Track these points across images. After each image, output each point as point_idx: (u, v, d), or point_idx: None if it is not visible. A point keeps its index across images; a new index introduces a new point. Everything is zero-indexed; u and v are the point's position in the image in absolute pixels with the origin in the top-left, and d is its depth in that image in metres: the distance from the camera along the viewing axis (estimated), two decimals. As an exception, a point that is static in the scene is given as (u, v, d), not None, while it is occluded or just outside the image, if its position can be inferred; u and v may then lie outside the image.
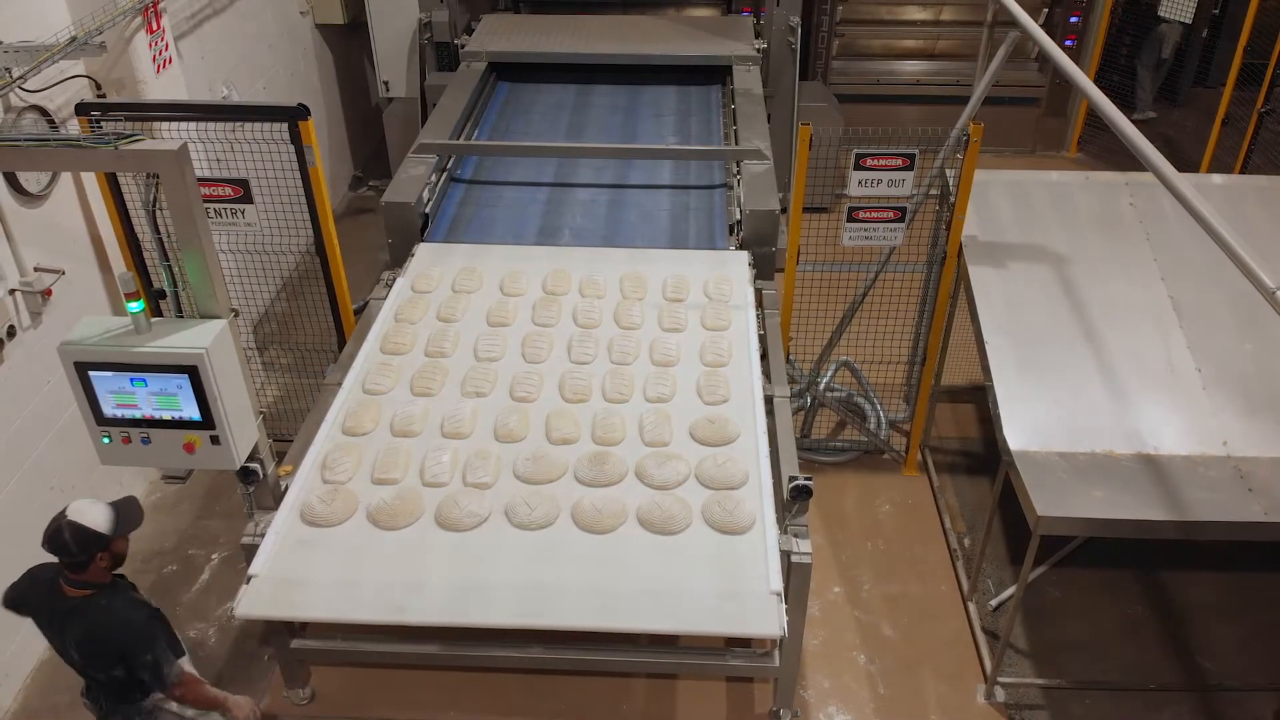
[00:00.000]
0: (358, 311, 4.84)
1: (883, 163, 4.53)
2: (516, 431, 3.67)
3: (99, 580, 3.25)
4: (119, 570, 3.34)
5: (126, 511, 3.26)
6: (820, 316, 5.34)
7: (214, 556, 4.97)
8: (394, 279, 4.65)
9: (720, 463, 3.55)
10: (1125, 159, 7.62)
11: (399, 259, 4.86)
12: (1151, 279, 4.64)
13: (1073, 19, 8.85)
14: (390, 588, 3.18)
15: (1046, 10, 8.81)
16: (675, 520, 3.32)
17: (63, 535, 3.11)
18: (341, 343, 4.99)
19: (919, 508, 5.35)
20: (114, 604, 3.27)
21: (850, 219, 4.73)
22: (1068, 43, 8.85)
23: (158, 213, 4.53)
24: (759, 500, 3.45)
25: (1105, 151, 9.08)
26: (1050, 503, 3.71)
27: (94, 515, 3.15)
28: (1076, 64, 4.14)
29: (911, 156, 4.54)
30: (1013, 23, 4.52)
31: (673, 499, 3.40)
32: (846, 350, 5.63)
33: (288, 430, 5.14)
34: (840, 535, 5.16)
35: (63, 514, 3.14)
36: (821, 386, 5.53)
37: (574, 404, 3.84)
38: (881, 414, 5.66)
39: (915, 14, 9.06)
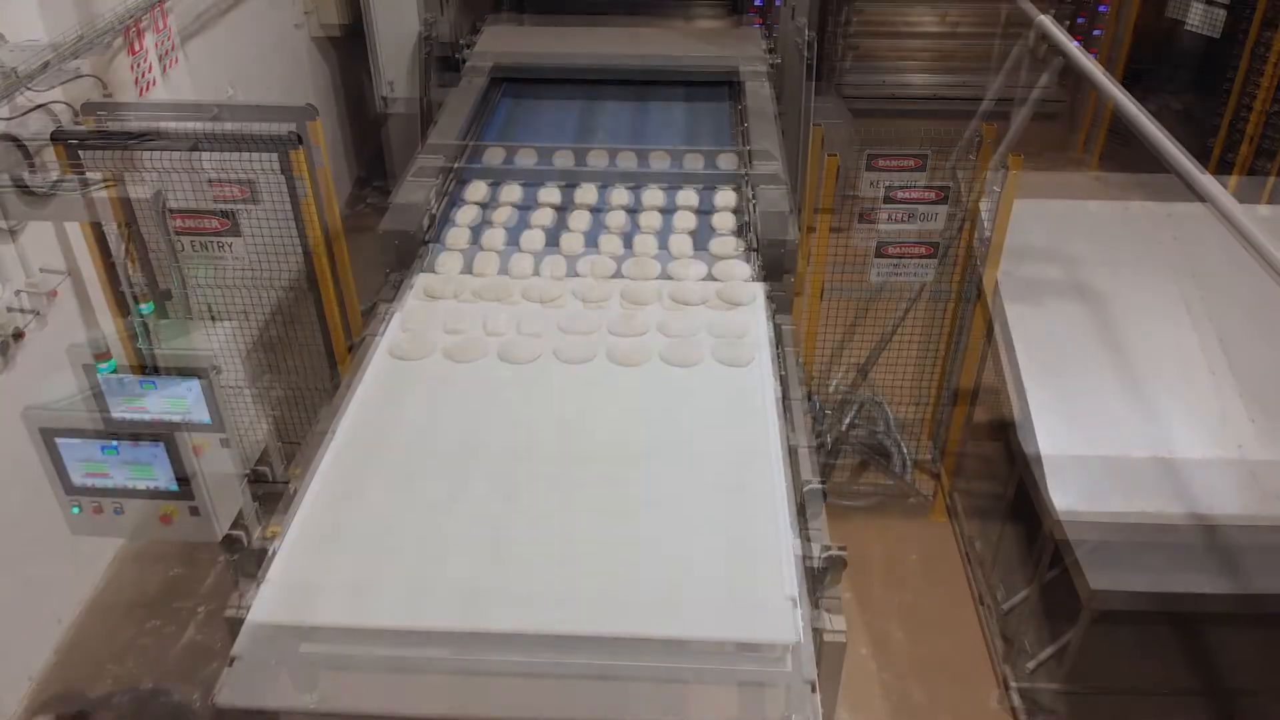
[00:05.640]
0: (355, 346, 4.57)
1: (914, 196, 4.26)
2: (558, 302, 4.35)
3: None
4: None
5: None
6: (837, 341, 5.08)
7: (200, 609, 4.70)
8: (392, 313, 4.37)
9: (727, 318, 4.21)
10: (1144, 169, 7.40)
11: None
12: (1198, 318, 4.36)
13: (1095, 32, 8.65)
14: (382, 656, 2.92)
15: (1066, 24, 8.57)
16: (690, 357, 3.99)
17: None
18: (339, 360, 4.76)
19: (945, 557, 5.06)
20: None
21: (879, 255, 4.45)
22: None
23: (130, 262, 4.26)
24: (759, 340, 4.02)
25: (1125, 163, 8.81)
26: (1104, 577, 3.45)
27: None
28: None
29: (945, 190, 4.27)
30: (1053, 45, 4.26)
31: (688, 343, 4.05)
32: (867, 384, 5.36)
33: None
34: (862, 581, 4.88)
35: None
36: (844, 426, 5.25)
37: (603, 280, 4.49)
38: (906, 455, 5.37)
39: (930, 25, 8.81)
